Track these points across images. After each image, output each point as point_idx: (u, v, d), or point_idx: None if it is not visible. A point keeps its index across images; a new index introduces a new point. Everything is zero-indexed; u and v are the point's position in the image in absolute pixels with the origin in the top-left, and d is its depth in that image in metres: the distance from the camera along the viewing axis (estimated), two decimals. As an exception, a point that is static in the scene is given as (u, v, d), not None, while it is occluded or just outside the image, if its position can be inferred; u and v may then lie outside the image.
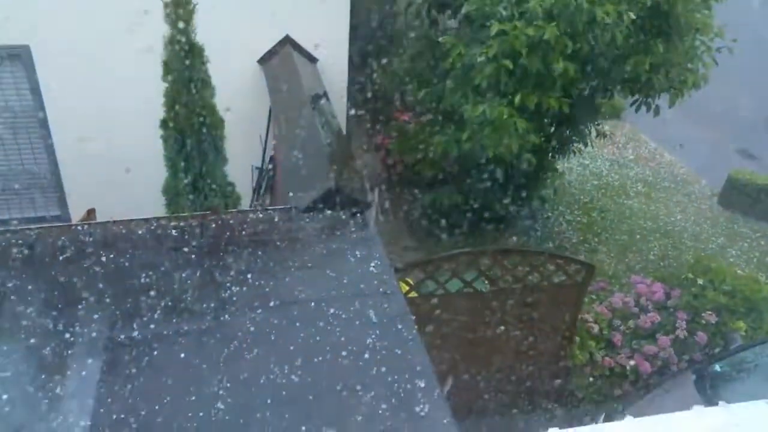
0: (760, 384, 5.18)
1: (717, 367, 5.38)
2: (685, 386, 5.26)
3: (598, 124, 7.66)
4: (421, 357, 2.51)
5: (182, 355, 2.48)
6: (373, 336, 2.61)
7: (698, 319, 6.02)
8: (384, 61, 7.67)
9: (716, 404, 2.78)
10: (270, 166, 6.46)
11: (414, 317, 2.82)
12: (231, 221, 3.28)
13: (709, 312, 5.96)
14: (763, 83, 13.00)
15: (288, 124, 5.32)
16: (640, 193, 9.79)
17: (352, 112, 7.45)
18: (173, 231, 3.10)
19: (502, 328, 5.34)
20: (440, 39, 6.03)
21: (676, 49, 5.91)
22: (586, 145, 7.64)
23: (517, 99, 5.56)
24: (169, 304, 2.65)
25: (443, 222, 7.16)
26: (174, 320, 2.61)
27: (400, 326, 2.71)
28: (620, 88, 6.50)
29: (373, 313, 2.75)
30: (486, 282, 5.29)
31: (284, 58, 6.17)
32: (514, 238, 7.94)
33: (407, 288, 4.94)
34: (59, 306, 2.67)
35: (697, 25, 5.92)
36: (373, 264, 3.11)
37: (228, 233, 3.17)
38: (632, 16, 5.36)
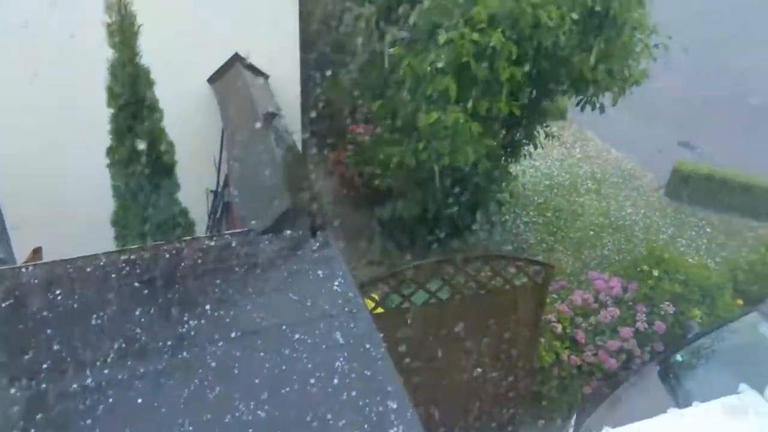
0: (719, 369, 5.34)
1: (678, 357, 5.53)
2: (650, 378, 5.39)
3: (547, 126, 7.81)
4: (392, 377, 2.48)
5: (140, 400, 2.34)
6: (341, 359, 2.55)
7: (656, 310, 6.17)
8: (336, 74, 7.63)
9: (689, 402, 2.83)
10: (225, 189, 6.33)
11: (382, 334, 2.78)
12: (185, 250, 3.17)
13: (666, 302, 6.12)
14: (699, 76, 13.56)
15: (241, 144, 5.23)
16: (591, 190, 10.03)
17: (307, 127, 7.39)
18: (124, 265, 2.97)
19: (469, 336, 5.36)
20: (390, 50, 6.03)
21: (616, 47, 6.07)
22: (536, 147, 7.78)
23: (470, 105, 5.61)
24: (123, 345, 2.52)
25: (405, 233, 7.15)
26: (129, 362, 2.48)
27: (368, 346, 2.67)
28: (566, 88, 6.63)
29: (340, 335, 2.69)
30: (450, 291, 5.30)
31: (234, 77, 6.07)
32: (475, 244, 8.00)
33: (373, 304, 4.89)
34: (2, 359, 2.52)
35: (633, 24, 6.09)
36: (336, 283, 3.06)
37: (183, 263, 3.06)
38: (574, 16, 5.47)
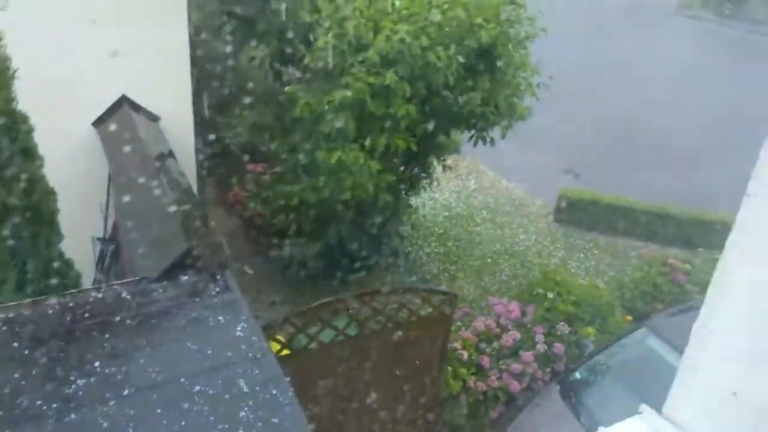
0: (614, 384, 5.63)
1: (577, 375, 5.79)
2: (553, 398, 5.59)
3: (442, 159, 8.09)
4: (300, 422, 2.41)
5: (23, 470, 2.15)
6: (246, 408, 2.46)
7: (553, 331, 6.45)
8: (232, 114, 7.53)
9: (590, 419, 2.95)
10: (113, 236, 5.99)
11: (288, 378, 2.71)
12: (71, 304, 2.96)
13: (562, 323, 6.42)
14: (578, 109, 14.67)
15: (131, 188, 4.99)
16: (486, 219, 10.44)
17: (203, 168, 7.19)
18: (1, 324, 2.73)
19: (378, 369, 5.34)
20: (287, 89, 6.06)
21: (502, 85, 6.46)
22: (433, 180, 8.02)
23: (368, 142, 5.72)
24: (1, 413, 2.29)
25: (308, 271, 7.08)
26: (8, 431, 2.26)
27: (274, 391, 2.59)
28: (458, 123, 6.93)
29: (244, 382, 2.60)
30: (357, 326, 5.28)
31: (122, 119, 5.82)
32: (380, 277, 8.06)
33: (279, 347, 4.77)
34: None
35: (516, 64, 6.52)
36: (239, 328, 2.96)
37: (68, 318, 2.85)
38: (461, 59, 5.79)
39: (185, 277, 3.25)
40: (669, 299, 7.32)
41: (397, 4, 5.92)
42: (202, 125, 7.35)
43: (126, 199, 4.80)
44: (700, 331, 1.10)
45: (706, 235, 9.32)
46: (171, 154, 5.54)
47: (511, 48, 6.42)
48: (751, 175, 0.98)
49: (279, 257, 7.67)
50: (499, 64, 6.32)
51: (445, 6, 5.88)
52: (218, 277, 3.31)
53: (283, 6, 6.59)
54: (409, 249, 9.11)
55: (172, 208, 4.24)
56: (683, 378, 1.20)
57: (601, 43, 21.85)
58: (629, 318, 7.17)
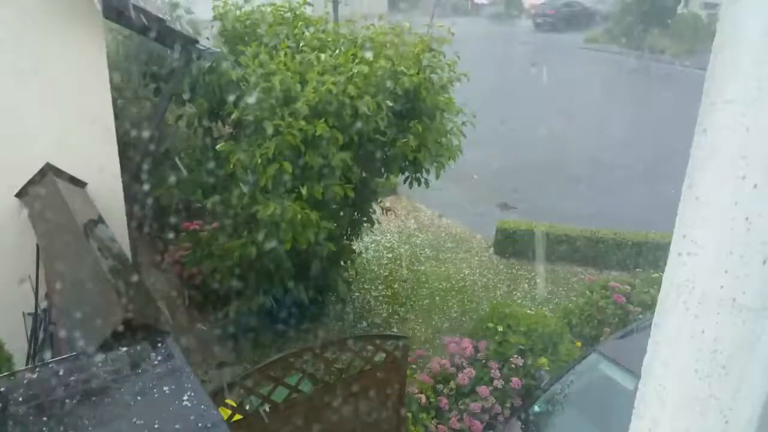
0: (573, 412, 5.67)
1: (536, 408, 5.80)
2: (514, 433, 5.57)
3: (381, 202, 8.15)
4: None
5: None
6: (201, 481, 2.32)
7: (508, 364, 6.48)
8: (163, 173, 7.37)
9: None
10: (46, 310, 5.65)
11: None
12: (2, 389, 2.75)
13: (515, 356, 6.46)
14: (502, 143, 15.21)
15: (61, 258, 4.77)
16: (430, 257, 10.53)
17: (136, 231, 6.96)
18: None
19: (336, 423, 5.19)
20: (218, 147, 6.00)
21: (431, 129, 6.63)
22: (373, 223, 8.06)
23: (305, 191, 5.70)
24: None
25: (254, 327, 6.89)
26: None
27: (229, 460, 2.46)
28: (393, 167, 7.04)
29: (197, 455, 2.46)
30: (311, 381, 5.14)
31: (47, 188, 5.59)
32: (329, 327, 7.93)
33: (230, 412, 4.57)
34: None
35: (442, 107, 6.73)
36: (186, 397, 2.82)
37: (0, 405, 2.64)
38: (389, 104, 5.92)
39: (124, 348, 3.09)
40: (614, 321, 7.51)
41: (323, 57, 6.03)
42: (132, 187, 7.16)
43: (56, 270, 4.57)
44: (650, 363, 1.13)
45: (640, 256, 9.71)
46: (100, 219, 5.35)
47: (435, 92, 6.63)
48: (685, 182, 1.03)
49: (223, 316, 7.44)
50: (425, 108, 6.50)
51: (371, 59, 6.04)
52: (159, 344, 3.16)
53: (209, 65, 6.59)
54: (356, 294, 9.04)
55: (106, 276, 4.06)
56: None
57: (515, 77, 22.89)
58: (579, 344, 7.30)
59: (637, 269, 8.84)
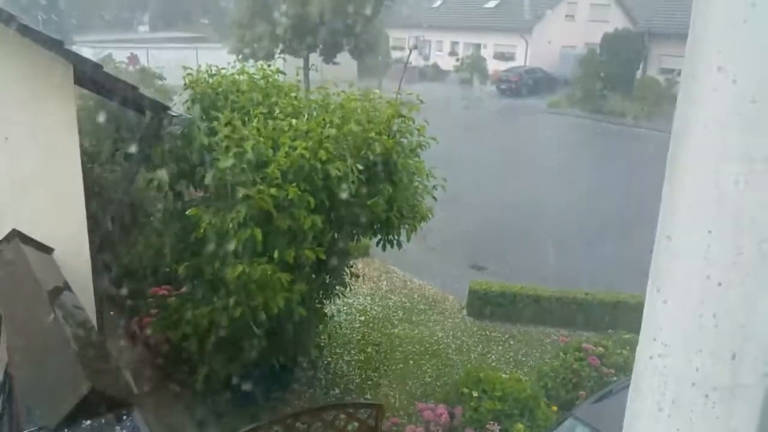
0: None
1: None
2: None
3: (353, 266, 8.15)
4: None
5: None
6: None
7: (484, 431, 6.37)
8: (132, 239, 7.28)
9: None
10: (6, 382, 5.41)
11: None
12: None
13: (492, 422, 6.36)
14: (471, 205, 15.46)
15: (24, 327, 4.62)
16: (403, 319, 10.46)
17: (103, 298, 6.80)
18: None
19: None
20: (188, 212, 5.99)
21: (402, 191, 6.74)
22: (345, 286, 8.02)
23: (276, 255, 5.69)
24: None
25: (224, 396, 6.68)
26: None
27: None
28: (364, 230, 7.08)
29: None
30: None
31: (13, 254, 5.48)
32: (302, 394, 7.73)
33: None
34: None
35: (412, 170, 6.87)
36: (151, 472, 2.72)
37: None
38: (359, 167, 6.02)
39: (88, 422, 2.98)
40: (589, 384, 7.48)
41: (294, 122, 6.16)
42: (100, 252, 7.05)
43: (19, 340, 4.42)
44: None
45: (612, 316, 9.78)
46: (66, 286, 5.24)
47: (405, 156, 6.79)
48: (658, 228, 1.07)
49: (191, 385, 7.21)
50: (396, 171, 6.63)
51: (340, 122, 6.19)
52: (125, 417, 3.06)
53: (180, 131, 6.65)
54: (329, 360, 8.87)
55: (70, 345, 3.95)
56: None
57: (481, 140, 23.55)
58: (555, 408, 7.23)
59: (609, 330, 8.89)
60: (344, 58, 33.01)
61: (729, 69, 0.91)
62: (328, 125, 6.15)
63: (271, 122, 6.22)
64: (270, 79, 7.43)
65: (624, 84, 30.49)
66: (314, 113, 6.75)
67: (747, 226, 0.94)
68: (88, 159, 8.05)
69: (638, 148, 23.98)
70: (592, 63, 30.01)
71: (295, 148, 5.75)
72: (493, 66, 40.34)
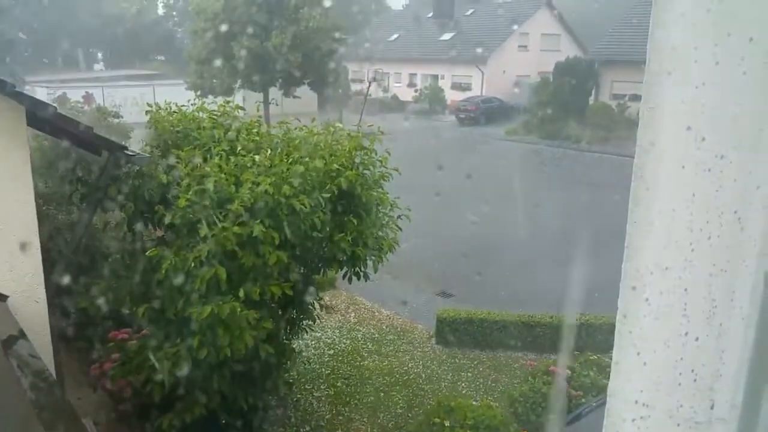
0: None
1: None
2: None
3: (319, 299, 8.07)
4: None
5: None
6: None
7: (457, 460, 6.33)
8: (89, 282, 7.07)
9: None
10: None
11: None
12: None
13: (464, 451, 6.33)
14: (441, 235, 15.56)
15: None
16: (372, 351, 10.38)
17: (60, 345, 6.55)
18: None
19: None
20: (148, 253, 5.86)
21: (368, 223, 6.75)
22: (313, 320, 7.93)
23: (241, 293, 5.60)
24: None
25: (191, 441, 6.46)
26: None
27: None
28: (331, 263, 7.04)
29: None
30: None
31: (-41, 304, 5.26)
32: (270, 433, 7.54)
33: None
34: None
35: (376, 201, 6.89)
36: None
37: None
38: (326, 196, 6.02)
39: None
40: (558, 407, 7.52)
41: (257, 158, 6.13)
42: (56, 297, 6.82)
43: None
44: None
45: (577, 339, 9.89)
46: (21, 334, 5.05)
47: (369, 187, 6.82)
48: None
49: (155, 431, 6.96)
50: (360, 203, 6.65)
51: (306, 159, 6.19)
52: (87, 470, 2.93)
53: (137, 170, 6.55)
54: (298, 396, 8.71)
55: (26, 395, 3.79)
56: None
57: (442, 168, 23.87)
58: (526, 432, 7.24)
59: (575, 352, 8.99)
60: (304, 91, 33.23)
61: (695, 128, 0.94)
62: (292, 161, 6.14)
63: (233, 158, 6.18)
64: (231, 116, 7.41)
65: (577, 110, 31.43)
66: (278, 148, 6.75)
67: (720, 278, 0.97)
68: (44, 201, 7.85)
69: (594, 171, 24.66)
70: (546, 91, 30.92)
71: (259, 184, 5.72)
72: (451, 96, 41.16)
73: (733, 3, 0.89)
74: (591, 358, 8.12)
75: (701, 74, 0.92)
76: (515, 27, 41.66)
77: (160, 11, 64.77)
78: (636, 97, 31.30)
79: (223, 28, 29.67)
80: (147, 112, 7.29)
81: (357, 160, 6.84)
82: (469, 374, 9.67)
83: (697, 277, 0.98)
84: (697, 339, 0.99)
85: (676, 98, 0.95)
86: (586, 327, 9.93)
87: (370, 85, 36.69)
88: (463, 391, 9.03)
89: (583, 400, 7.27)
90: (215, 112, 7.41)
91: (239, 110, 7.59)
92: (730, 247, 0.96)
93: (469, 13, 46.49)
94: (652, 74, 0.95)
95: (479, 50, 41.15)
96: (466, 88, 42.16)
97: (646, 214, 0.99)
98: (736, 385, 1.02)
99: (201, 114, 7.31)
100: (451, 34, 44.62)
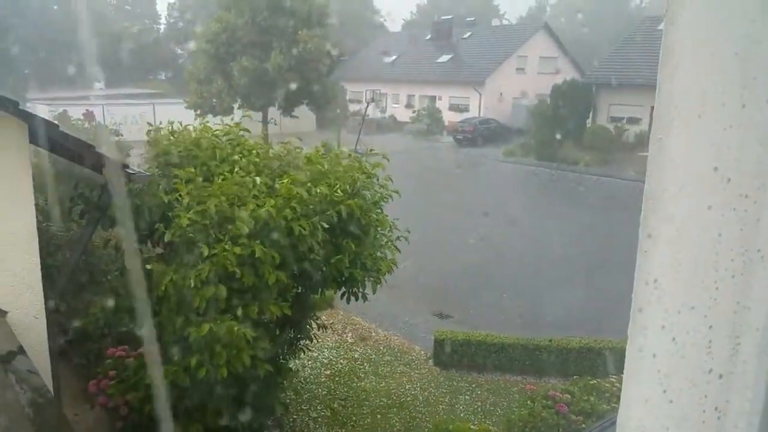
0: None
1: None
2: None
3: (317, 318, 8.07)
4: None
5: None
6: None
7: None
8: (89, 299, 7.07)
9: None
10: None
11: None
12: None
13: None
14: (439, 255, 15.57)
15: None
16: (369, 372, 10.32)
17: (58, 360, 6.52)
18: None
19: None
20: (148, 267, 5.87)
21: (366, 244, 6.79)
22: (311, 340, 7.92)
23: (240, 312, 5.60)
24: None
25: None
26: None
27: None
28: (329, 284, 7.05)
29: None
30: None
31: (-41, 319, 5.26)
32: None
33: None
34: None
35: (375, 223, 6.94)
36: None
37: None
38: (325, 225, 6.07)
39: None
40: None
41: (258, 180, 6.17)
42: (55, 314, 6.80)
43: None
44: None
45: (576, 363, 9.87)
46: (21, 350, 5.04)
47: (368, 209, 6.86)
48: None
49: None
50: (359, 225, 6.69)
51: (309, 183, 6.25)
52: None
53: (137, 188, 6.58)
54: (295, 417, 8.65)
55: (25, 412, 3.78)
56: None
57: (440, 189, 23.98)
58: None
59: (575, 376, 8.95)
60: (302, 111, 33.44)
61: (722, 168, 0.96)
62: (297, 185, 6.19)
63: (236, 177, 6.21)
64: (232, 136, 7.47)
65: (575, 132, 31.64)
66: (278, 170, 6.81)
67: (743, 315, 1.00)
68: (44, 218, 7.86)
69: (593, 193, 24.77)
70: (544, 113, 31.16)
71: (261, 206, 5.76)
72: (449, 117, 41.45)
73: (758, 47, 0.92)
74: (591, 382, 8.09)
75: (729, 117, 0.94)
76: (512, 50, 42.16)
77: (162, 31, 65.38)
78: (633, 120, 31.61)
79: (223, 48, 29.98)
80: (148, 131, 7.34)
81: (358, 184, 6.89)
82: (467, 397, 9.62)
83: (721, 315, 1.00)
84: (721, 377, 1.01)
85: (705, 141, 0.96)
86: (585, 351, 9.91)
87: (368, 106, 36.94)
88: (461, 414, 8.98)
89: (583, 425, 7.23)
90: (217, 132, 7.46)
91: (243, 131, 7.63)
92: (753, 285, 0.99)
93: (467, 35, 47.04)
94: (683, 117, 0.98)
95: (476, 72, 41.55)
96: (463, 109, 42.49)
97: (675, 256, 1.02)
98: (761, 422, 1.04)
99: (206, 135, 7.35)
100: (449, 56, 45.09)
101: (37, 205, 6.22)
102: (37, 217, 6.08)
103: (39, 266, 5.90)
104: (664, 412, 1.05)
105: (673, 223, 0.99)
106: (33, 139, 5.87)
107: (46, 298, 6.08)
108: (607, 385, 8.10)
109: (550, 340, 10.30)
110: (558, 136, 29.93)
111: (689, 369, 1.02)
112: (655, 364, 1.04)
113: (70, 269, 7.74)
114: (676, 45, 0.96)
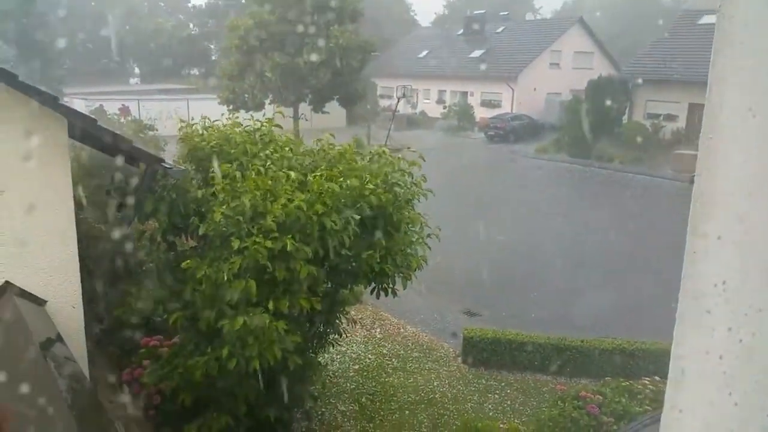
0: None
1: None
2: None
3: (346, 313, 8.10)
4: None
5: None
6: None
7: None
8: (124, 289, 7.22)
9: None
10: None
11: None
12: None
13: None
14: (470, 252, 15.47)
15: (15, 379, 4.53)
16: (397, 368, 10.32)
17: (94, 350, 6.69)
18: None
19: None
20: (182, 264, 5.98)
21: (397, 241, 6.78)
22: (340, 335, 7.95)
23: (271, 305, 5.66)
24: None
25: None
26: None
27: None
28: (359, 279, 7.06)
29: None
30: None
31: (5, 306, 5.43)
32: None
33: None
34: None
35: (407, 220, 6.92)
36: None
37: None
38: (356, 217, 6.07)
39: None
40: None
41: (292, 175, 6.21)
42: (92, 303, 6.97)
43: (10, 392, 4.33)
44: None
45: (608, 364, 9.70)
46: (59, 338, 5.19)
47: (400, 206, 6.85)
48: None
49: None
50: (391, 222, 6.68)
51: (341, 179, 6.27)
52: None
53: (173, 182, 6.68)
54: (323, 410, 8.72)
55: (62, 397, 3.88)
56: None
57: (472, 184, 23.79)
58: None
59: (606, 377, 8.80)
60: (333, 106, 33.57)
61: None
62: (327, 178, 6.21)
63: (270, 172, 6.26)
64: (265, 131, 7.52)
65: (610, 129, 31.07)
66: (309, 165, 6.84)
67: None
68: (81, 210, 8.05)
69: (628, 192, 24.30)
70: (578, 109, 30.65)
71: (292, 200, 5.80)
72: (480, 113, 41.12)
73: None
74: (623, 384, 7.95)
75: None
76: (547, 44, 41.58)
77: (195, 27, 66.26)
78: (670, 117, 30.88)
79: (255, 44, 30.23)
80: (180, 128, 7.44)
81: (391, 181, 6.89)
82: (496, 396, 9.55)
83: (735, 347, 1.00)
84: (736, 404, 1.01)
85: (762, 140, 0.97)
86: (618, 352, 9.74)
87: (398, 102, 36.84)
88: (490, 413, 8.92)
89: (615, 427, 7.11)
90: (248, 127, 7.53)
91: (275, 127, 7.69)
92: None
93: (500, 30, 46.57)
94: (738, 117, 0.97)
95: (509, 67, 41.11)
96: (495, 105, 42.12)
97: (742, 258, 1.01)
98: None
99: (237, 130, 7.43)
100: (481, 51, 44.69)
101: (75, 197, 6.38)
102: (74, 209, 6.24)
103: (77, 257, 6.05)
104: (729, 414, 1.04)
105: (742, 224, 0.98)
106: (71, 133, 6.02)
107: (83, 288, 6.23)
108: (640, 386, 7.95)
109: (582, 341, 10.14)
110: (592, 133, 29.39)
111: (755, 371, 1.01)
112: (721, 365, 1.03)
113: (107, 260, 7.93)
114: (729, 43, 0.93)
